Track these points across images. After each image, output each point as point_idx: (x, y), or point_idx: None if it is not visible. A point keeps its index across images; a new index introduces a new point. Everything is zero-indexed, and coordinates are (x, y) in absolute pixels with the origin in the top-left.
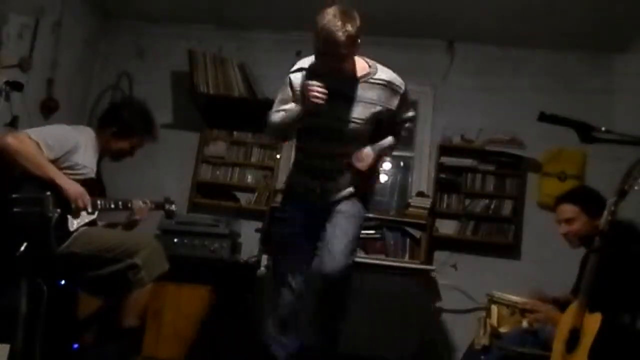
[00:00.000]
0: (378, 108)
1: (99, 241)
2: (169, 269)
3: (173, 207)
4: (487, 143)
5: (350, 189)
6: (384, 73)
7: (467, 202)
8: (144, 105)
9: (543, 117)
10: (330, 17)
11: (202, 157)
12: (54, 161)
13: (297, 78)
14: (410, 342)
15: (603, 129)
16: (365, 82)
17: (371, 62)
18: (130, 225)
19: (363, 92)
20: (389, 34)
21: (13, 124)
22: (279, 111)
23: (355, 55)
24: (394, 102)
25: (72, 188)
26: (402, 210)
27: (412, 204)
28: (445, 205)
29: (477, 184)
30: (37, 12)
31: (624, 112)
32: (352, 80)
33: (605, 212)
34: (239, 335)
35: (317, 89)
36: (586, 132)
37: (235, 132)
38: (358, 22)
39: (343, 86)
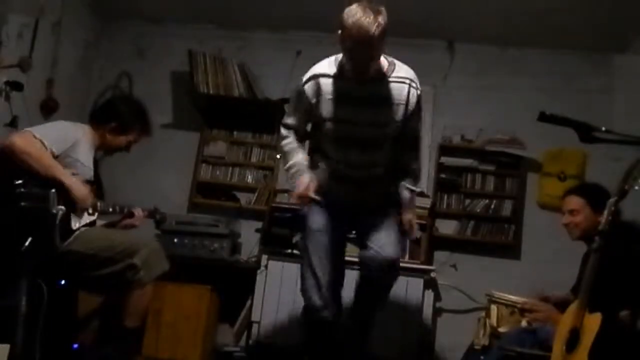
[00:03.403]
0: (402, 106)
1: (99, 241)
2: (169, 269)
3: (163, 217)
4: (487, 143)
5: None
6: (402, 68)
7: (467, 202)
8: (139, 101)
9: (543, 117)
10: (360, 12)
11: (202, 157)
12: (57, 157)
13: (310, 88)
14: (409, 342)
15: (603, 129)
16: (390, 79)
17: (391, 59)
18: (122, 227)
19: (391, 90)
20: (389, 34)
21: (13, 124)
22: (289, 145)
23: (382, 48)
24: (413, 101)
25: (78, 188)
26: None
27: None
28: (445, 205)
29: (477, 184)
30: (37, 12)
31: (624, 112)
32: (379, 80)
33: (606, 212)
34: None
35: (304, 194)
36: (586, 132)
37: (235, 132)
38: (386, 16)
39: (369, 88)
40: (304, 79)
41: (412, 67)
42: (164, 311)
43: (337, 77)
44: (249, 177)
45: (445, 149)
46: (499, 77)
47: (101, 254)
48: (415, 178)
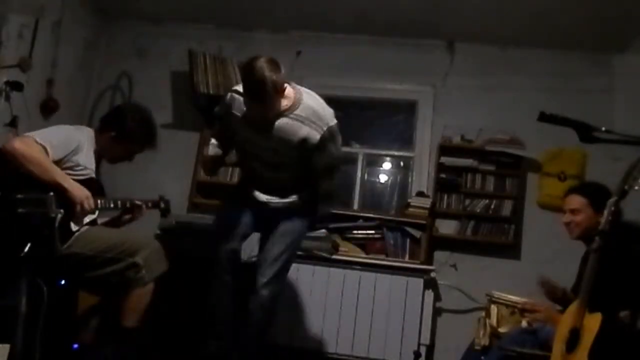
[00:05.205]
0: (296, 140)
1: (100, 241)
2: (169, 269)
3: (168, 205)
4: (487, 143)
5: (295, 199)
6: (307, 107)
7: (467, 202)
8: (147, 112)
9: (543, 117)
10: (258, 69)
11: (202, 157)
12: (58, 162)
13: (229, 101)
14: (409, 342)
15: (603, 129)
16: (287, 116)
17: (299, 94)
18: (124, 221)
19: (288, 126)
20: (389, 34)
21: (13, 124)
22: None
23: (280, 100)
24: (312, 141)
25: (78, 191)
26: (402, 210)
27: (412, 204)
28: (445, 205)
29: (477, 184)
30: (37, 12)
31: (624, 112)
32: (276, 114)
33: (606, 212)
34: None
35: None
36: (586, 132)
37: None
38: (283, 72)
39: (265, 117)
40: (232, 88)
41: (412, 67)
42: None
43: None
44: None
45: (445, 149)
46: (499, 77)
47: (103, 254)
48: (326, 201)
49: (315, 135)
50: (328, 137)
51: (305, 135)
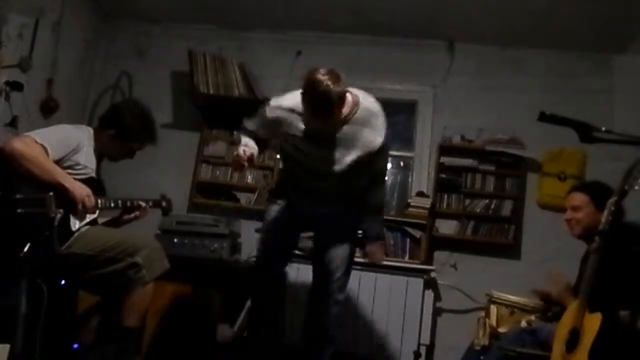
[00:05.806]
0: (358, 149)
1: (100, 241)
2: (169, 269)
3: (169, 204)
4: (487, 143)
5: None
6: (364, 111)
7: (467, 202)
8: (146, 108)
9: (543, 117)
10: (320, 82)
11: (202, 157)
12: (58, 161)
13: (274, 118)
14: (409, 342)
15: (603, 129)
16: (349, 122)
17: (356, 97)
18: (124, 221)
19: (347, 133)
20: (389, 34)
21: (13, 124)
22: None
23: (342, 109)
24: (374, 139)
25: (79, 190)
26: (402, 210)
27: (412, 204)
28: (445, 205)
29: (477, 184)
30: (37, 12)
31: (624, 112)
32: (338, 123)
33: (606, 212)
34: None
35: (240, 158)
36: (586, 132)
37: (235, 132)
38: (345, 81)
39: (327, 130)
40: (272, 105)
41: (412, 67)
42: (164, 311)
43: (300, 114)
44: (249, 177)
45: (445, 149)
46: (499, 77)
47: (103, 254)
48: (376, 211)
49: (377, 139)
50: (386, 142)
51: (366, 138)
